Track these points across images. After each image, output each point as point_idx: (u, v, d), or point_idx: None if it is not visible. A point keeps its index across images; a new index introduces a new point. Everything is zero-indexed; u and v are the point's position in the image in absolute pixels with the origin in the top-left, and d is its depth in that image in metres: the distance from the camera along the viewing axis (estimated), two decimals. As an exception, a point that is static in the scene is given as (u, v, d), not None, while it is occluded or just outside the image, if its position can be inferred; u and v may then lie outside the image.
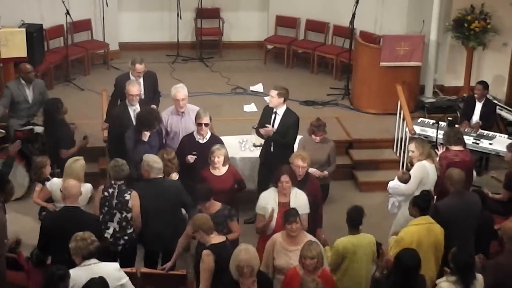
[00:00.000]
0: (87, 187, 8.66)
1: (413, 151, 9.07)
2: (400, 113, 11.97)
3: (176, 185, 8.67)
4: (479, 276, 7.08)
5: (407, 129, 11.56)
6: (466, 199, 8.41)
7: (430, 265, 7.78)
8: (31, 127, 11.10)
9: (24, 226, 9.62)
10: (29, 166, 10.80)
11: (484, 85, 11.75)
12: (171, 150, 9.25)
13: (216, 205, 8.21)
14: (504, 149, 10.19)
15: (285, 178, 8.34)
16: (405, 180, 8.99)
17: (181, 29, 15.19)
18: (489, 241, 8.37)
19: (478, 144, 11.06)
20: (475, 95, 11.72)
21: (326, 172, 10.02)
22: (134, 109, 9.96)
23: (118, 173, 8.36)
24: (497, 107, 12.36)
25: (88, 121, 11.88)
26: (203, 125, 9.43)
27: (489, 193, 9.43)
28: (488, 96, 11.98)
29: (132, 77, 10.66)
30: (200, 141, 9.49)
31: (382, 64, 12.68)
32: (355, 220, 7.78)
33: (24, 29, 12.17)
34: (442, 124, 11.33)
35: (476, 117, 11.73)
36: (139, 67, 10.73)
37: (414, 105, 13.07)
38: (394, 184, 9.09)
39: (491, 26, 13.12)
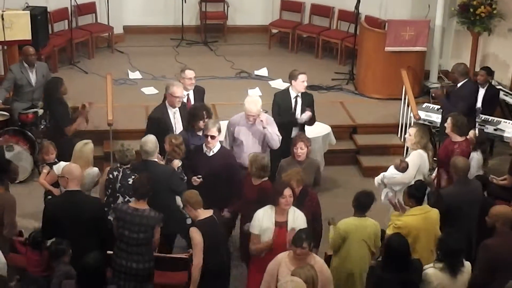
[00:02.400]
0: (94, 171, 8.68)
1: (410, 135, 9.06)
2: (404, 98, 11.95)
3: (168, 171, 8.57)
4: (467, 264, 7.08)
5: (411, 114, 11.54)
6: (470, 187, 8.40)
7: (429, 254, 7.72)
8: (35, 110, 11.10)
9: (26, 209, 9.63)
10: (33, 149, 10.82)
11: (488, 71, 11.72)
12: (179, 135, 9.16)
13: None
14: (509, 135, 10.16)
15: (288, 192, 7.65)
16: (403, 168, 8.95)
17: (186, 12, 15.15)
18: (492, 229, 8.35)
19: (482, 129, 11.02)
20: (478, 81, 11.68)
21: None
22: (174, 112, 9.61)
23: (122, 158, 8.46)
24: (502, 93, 12.32)
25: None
26: (209, 137, 8.75)
27: (494, 178, 9.41)
28: (492, 81, 11.93)
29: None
30: (208, 153, 8.85)
31: (387, 49, 12.65)
32: (363, 204, 7.77)
33: (28, 12, 12.16)
34: (447, 109, 11.29)
35: (479, 103, 11.67)
36: (189, 72, 10.11)
37: (418, 90, 13.05)
38: (390, 173, 9.05)
39: (496, 12, 13.06)
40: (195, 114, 9.16)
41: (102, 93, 11.68)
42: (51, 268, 7.39)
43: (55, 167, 8.92)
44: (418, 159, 8.93)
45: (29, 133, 10.89)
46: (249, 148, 9.22)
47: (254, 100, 9.30)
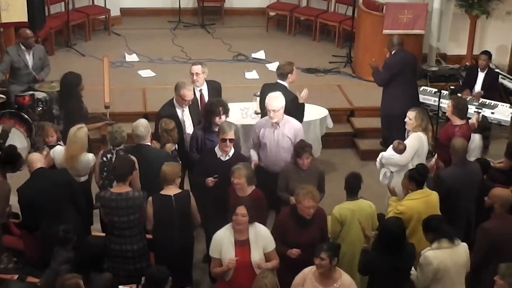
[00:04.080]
0: (89, 157, 8.66)
1: (410, 119, 9.05)
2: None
3: (162, 155, 8.56)
4: (464, 244, 7.14)
5: (409, 98, 11.51)
6: (468, 168, 8.45)
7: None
8: (31, 92, 11.07)
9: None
10: (30, 132, 10.80)
11: (489, 55, 11.71)
12: (171, 121, 9.13)
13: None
14: (506, 118, 10.15)
15: (241, 210, 7.18)
16: (400, 150, 8.96)
17: (183, -6, 15.12)
18: (490, 210, 8.37)
19: (480, 113, 11.00)
20: (479, 65, 11.65)
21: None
22: (182, 110, 9.36)
23: (112, 140, 8.48)
24: (500, 76, 12.30)
25: (88, 87, 11.78)
26: (228, 140, 8.35)
27: (491, 162, 9.41)
28: (490, 65, 11.92)
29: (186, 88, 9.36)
30: (222, 158, 8.45)
31: (385, 32, 12.59)
32: (353, 186, 7.82)
33: (25, -6, 12.10)
34: (444, 93, 11.28)
35: (478, 87, 11.68)
36: (194, 68, 9.77)
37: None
38: (388, 154, 9.06)
39: (495, -5, 13.04)
40: (211, 110, 8.84)
41: (99, 75, 11.66)
42: (47, 251, 7.39)
43: (51, 150, 8.92)
44: (416, 142, 8.93)
45: (26, 116, 10.84)
46: (273, 151, 8.97)
47: (275, 95, 8.91)
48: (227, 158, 8.41)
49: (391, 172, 9.02)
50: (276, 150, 8.95)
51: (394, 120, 10.53)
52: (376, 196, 8.83)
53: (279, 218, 7.68)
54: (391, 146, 9.08)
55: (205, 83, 9.85)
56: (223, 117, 8.77)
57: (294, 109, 9.48)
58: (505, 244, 7.29)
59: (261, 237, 7.24)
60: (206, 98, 9.75)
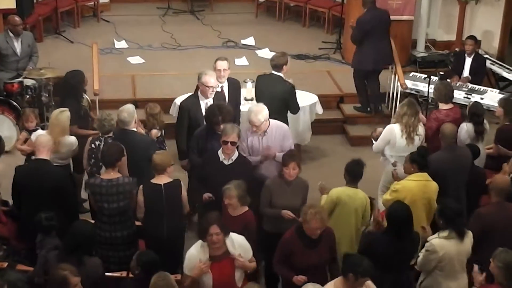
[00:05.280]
0: (70, 140, 8.61)
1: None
2: (392, 68, 11.92)
3: (146, 140, 8.53)
4: (469, 232, 7.13)
5: (398, 84, 11.53)
6: (457, 153, 8.45)
7: (422, 222, 7.79)
8: (20, 80, 11.02)
9: (11, 180, 9.60)
10: (18, 120, 10.76)
11: (475, 39, 11.71)
12: (156, 105, 9.07)
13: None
14: (495, 104, 10.16)
15: (214, 229, 6.68)
16: (375, 137, 9.10)
17: (172, -19, 15.07)
18: (480, 195, 8.40)
19: (469, 98, 11.03)
20: (466, 50, 11.67)
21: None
22: (206, 103, 8.87)
23: (100, 127, 8.43)
24: (489, 61, 12.32)
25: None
26: (229, 143, 7.92)
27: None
28: (479, 51, 11.93)
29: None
30: (225, 162, 8.01)
31: (375, 17, 12.58)
32: (355, 173, 7.79)
33: (12, -20, 12.02)
34: (434, 78, 11.30)
35: (466, 72, 11.69)
36: (220, 63, 9.37)
37: (406, 60, 13.03)
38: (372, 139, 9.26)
39: (484, -20, 13.06)
40: (209, 118, 8.40)
41: (88, 62, 11.61)
42: (31, 240, 7.36)
43: (33, 134, 8.88)
44: (387, 134, 8.93)
45: (15, 103, 10.81)
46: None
47: (258, 109, 8.40)
48: (230, 162, 8.00)
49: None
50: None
51: (366, 76, 11.37)
52: (366, 182, 8.82)
53: (284, 239, 7.05)
54: None
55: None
56: (223, 126, 8.21)
57: (292, 98, 9.48)
58: (496, 231, 7.33)
59: (240, 247, 6.87)
60: (226, 94, 9.40)
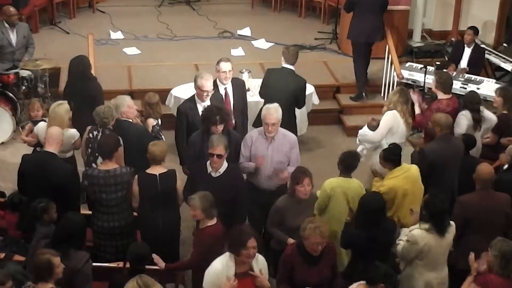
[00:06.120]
0: (71, 132, 8.61)
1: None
2: (388, 58, 11.93)
3: (139, 130, 8.54)
4: (452, 223, 7.16)
5: (395, 74, 11.54)
6: (451, 143, 8.46)
7: (418, 209, 7.81)
8: (16, 70, 11.00)
9: (8, 171, 9.61)
10: (15, 111, 10.75)
11: (475, 30, 11.68)
12: (155, 95, 9.06)
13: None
14: (492, 94, 10.17)
15: (252, 243, 6.34)
16: (372, 127, 8.94)
17: (168, -29, 15.03)
18: (473, 185, 8.42)
19: (465, 88, 11.03)
20: (465, 40, 11.66)
21: None
22: (204, 106, 8.55)
23: (100, 119, 8.38)
24: (486, 51, 12.32)
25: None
26: (215, 156, 7.48)
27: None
28: (476, 41, 11.93)
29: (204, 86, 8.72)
30: (212, 174, 7.64)
31: (371, 8, 12.58)
32: (348, 164, 7.77)
33: (7, -29, 12.01)
34: (430, 68, 11.30)
35: (464, 62, 11.67)
36: (224, 65, 9.09)
37: (402, 50, 13.02)
38: (364, 131, 9.05)
39: (480, -31, 13.05)
40: (208, 117, 8.04)
41: (84, 53, 11.52)
42: (30, 230, 7.34)
43: (36, 126, 8.87)
44: (390, 120, 8.87)
45: (11, 94, 10.79)
46: (267, 167, 8.09)
47: (275, 107, 8.07)
48: (218, 174, 7.60)
49: (366, 148, 9.03)
50: (271, 166, 8.11)
51: (360, 48, 11.63)
52: (362, 172, 8.82)
53: (286, 254, 6.79)
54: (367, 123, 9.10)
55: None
56: (220, 126, 7.97)
57: (303, 94, 9.46)
58: (476, 219, 7.41)
59: (261, 265, 6.61)
60: (231, 96, 9.22)
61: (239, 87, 9.36)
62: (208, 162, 7.60)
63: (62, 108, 8.55)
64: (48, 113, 8.63)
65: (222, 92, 9.18)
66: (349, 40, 11.91)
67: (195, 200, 7.02)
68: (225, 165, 7.63)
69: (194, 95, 8.84)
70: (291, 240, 7.22)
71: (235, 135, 8.25)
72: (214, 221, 7.10)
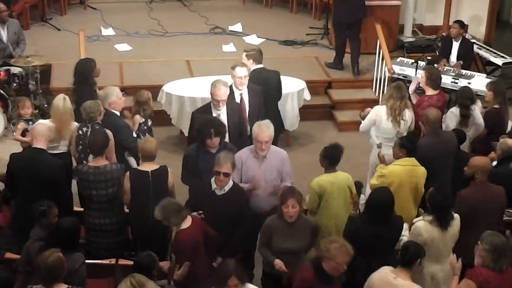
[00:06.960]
0: (75, 125, 8.60)
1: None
2: (379, 53, 11.94)
3: (118, 124, 8.54)
4: (456, 216, 7.18)
5: (386, 69, 11.56)
6: (442, 138, 8.50)
7: (409, 206, 7.86)
8: (7, 67, 10.98)
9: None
10: (6, 108, 10.73)
11: (461, 24, 11.70)
12: (146, 93, 9.03)
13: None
14: (482, 88, 10.20)
15: (233, 281, 6.11)
16: (363, 117, 9.21)
17: (159, -33, 15.01)
18: (467, 179, 8.45)
19: (456, 83, 11.06)
20: (451, 34, 11.68)
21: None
22: (219, 114, 8.50)
23: (87, 114, 8.35)
24: (476, 46, 12.35)
25: (65, 61, 11.75)
26: (222, 174, 7.22)
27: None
28: (466, 35, 11.95)
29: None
30: (217, 192, 7.35)
31: (362, 3, 12.60)
32: (333, 158, 7.71)
33: (-3, -32, 11.96)
34: (421, 63, 11.32)
35: (453, 56, 11.70)
36: (240, 70, 8.90)
37: (393, 45, 13.03)
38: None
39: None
40: (201, 130, 7.84)
41: (75, 50, 11.58)
42: (23, 230, 7.31)
43: (33, 125, 8.83)
44: (372, 114, 8.98)
45: (2, 91, 10.77)
46: (261, 188, 7.78)
47: (267, 124, 7.77)
48: (222, 192, 7.32)
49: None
50: (264, 186, 7.80)
51: (343, 29, 12.05)
52: (356, 167, 8.85)
53: (302, 279, 6.43)
54: None
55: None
56: (215, 139, 7.77)
57: (281, 84, 9.57)
58: (478, 212, 7.43)
59: None
60: (246, 102, 9.01)
61: (256, 93, 9.10)
62: (212, 179, 7.33)
63: (68, 102, 8.55)
64: (51, 109, 8.59)
65: (237, 97, 8.97)
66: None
67: (155, 212, 6.88)
68: (230, 183, 7.34)
69: (210, 103, 8.66)
70: (278, 261, 6.96)
71: (231, 149, 7.97)
72: (186, 225, 6.89)
